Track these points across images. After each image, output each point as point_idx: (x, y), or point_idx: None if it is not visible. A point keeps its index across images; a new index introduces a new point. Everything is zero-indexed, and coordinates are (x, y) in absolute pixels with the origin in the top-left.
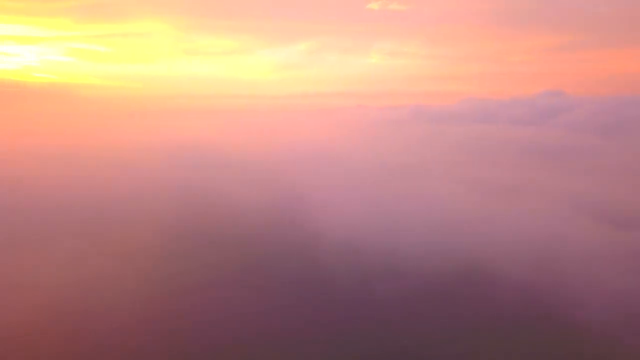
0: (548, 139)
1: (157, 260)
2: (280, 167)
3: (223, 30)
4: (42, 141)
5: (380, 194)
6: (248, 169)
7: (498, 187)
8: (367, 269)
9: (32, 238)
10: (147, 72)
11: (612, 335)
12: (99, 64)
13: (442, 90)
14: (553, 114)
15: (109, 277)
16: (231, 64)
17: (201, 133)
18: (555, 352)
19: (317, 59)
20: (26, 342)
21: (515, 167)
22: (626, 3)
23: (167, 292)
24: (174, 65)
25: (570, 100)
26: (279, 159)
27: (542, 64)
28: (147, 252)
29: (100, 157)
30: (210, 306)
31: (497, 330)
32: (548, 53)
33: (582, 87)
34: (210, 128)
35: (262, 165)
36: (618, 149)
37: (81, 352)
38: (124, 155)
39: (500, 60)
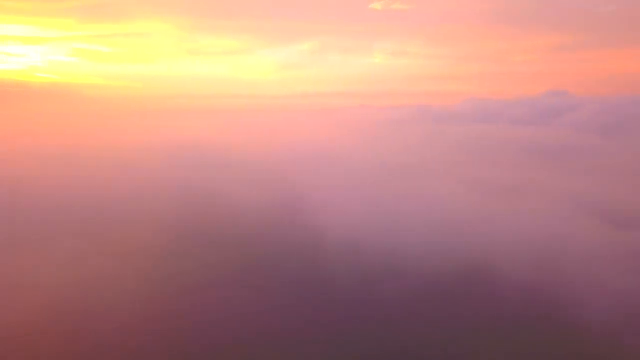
0: (548, 139)
1: (157, 260)
2: (280, 167)
3: (224, 30)
4: (42, 141)
5: (381, 194)
6: (248, 169)
7: (498, 187)
8: (367, 269)
9: (32, 238)
10: (149, 72)
11: (612, 335)
12: (101, 64)
13: (445, 90)
14: (558, 113)
15: (109, 277)
16: (232, 64)
17: (201, 133)
18: (555, 352)
19: (319, 59)
20: (26, 342)
21: (516, 167)
22: (626, 3)
23: (167, 292)
24: (175, 65)
25: (575, 100)
26: (280, 159)
27: (543, 64)
28: (147, 252)
29: (101, 157)
30: (210, 306)
31: (497, 330)
32: (549, 53)
33: (583, 87)
34: (210, 128)
35: (263, 165)
36: (618, 149)
37: (81, 352)
38: (124, 155)
39: (501, 60)
